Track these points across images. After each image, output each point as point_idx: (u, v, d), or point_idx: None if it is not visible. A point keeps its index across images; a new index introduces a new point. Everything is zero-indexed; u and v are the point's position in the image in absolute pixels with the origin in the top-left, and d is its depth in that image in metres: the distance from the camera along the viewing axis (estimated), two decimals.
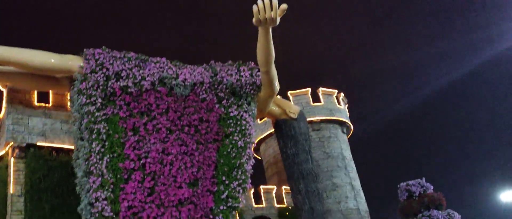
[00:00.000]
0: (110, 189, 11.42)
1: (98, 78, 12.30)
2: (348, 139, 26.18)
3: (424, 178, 23.52)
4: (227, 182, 13.04)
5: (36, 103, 13.85)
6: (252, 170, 13.80)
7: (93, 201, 11.25)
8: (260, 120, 25.23)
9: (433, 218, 21.33)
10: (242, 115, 14.28)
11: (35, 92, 13.93)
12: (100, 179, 11.38)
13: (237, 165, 13.41)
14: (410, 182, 23.28)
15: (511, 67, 57.41)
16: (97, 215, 11.10)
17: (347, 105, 26.99)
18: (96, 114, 11.97)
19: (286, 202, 21.05)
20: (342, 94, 26.28)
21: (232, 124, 14.00)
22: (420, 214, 21.82)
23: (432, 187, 23.28)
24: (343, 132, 25.60)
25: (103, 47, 12.99)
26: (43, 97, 14.15)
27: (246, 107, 14.55)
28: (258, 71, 14.85)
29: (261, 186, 20.95)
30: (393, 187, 24.86)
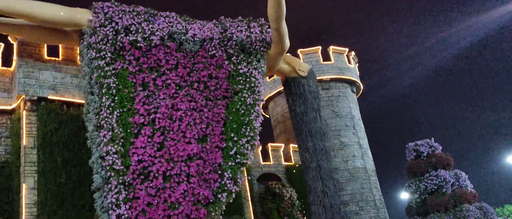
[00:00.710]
0: (120, 143, 11.57)
1: (107, 32, 12.22)
2: (357, 98, 26.06)
3: (433, 138, 23.55)
4: (235, 138, 13.14)
5: (46, 57, 13.85)
6: (261, 128, 13.86)
7: (104, 154, 11.42)
8: (269, 78, 25.12)
9: (440, 178, 21.47)
10: (251, 72, 14.21)
11: (45, 45, 13.89)
12: (110, 133, 11.51)
13: (246, 122, 13.47)
14: (419, 142, 23.33)
15: None
16: (108, 168, 11.29)
17: (357, 64, 26.69)
18: (106, 68, 11.97)
19: (294, 160, 21.27)
20: (353, 53, 25.93)
21: (242, 81, 13.96)
22: (427, 174, 21.97)
23: (440, 147, 23.34)
24: (353, 91, 25.44)
25: (112, 0, 12.82)
26: (53, 51, 14.14)
27: (256, 64, 14.46)
28: (269, 27, 14.64)
29: (269, 144, 21.13)
30: (401, 147, 25.00)
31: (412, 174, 23.08)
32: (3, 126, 13.87)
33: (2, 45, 14.03)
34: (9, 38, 13.69)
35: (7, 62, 14.37)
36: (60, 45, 14.12)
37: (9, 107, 13.78)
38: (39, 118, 13.06)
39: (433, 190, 21.77)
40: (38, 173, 12.68)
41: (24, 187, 12.48)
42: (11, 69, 14.13)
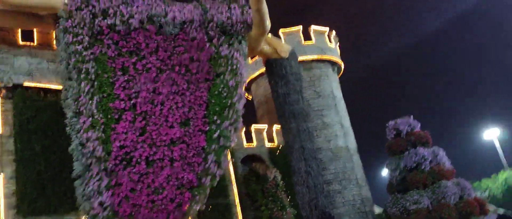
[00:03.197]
0: (101, 129, 11.36)
1: (84, 16, 11.85)
2: (338, 78, 26.15)
3: (411, 116, 23.84)
4: (218, 121, 13.03)
5: (20, 42, 13.41)
6: (244, 110, 13.78)
7: (85, 141, 11.20)
8: (251, 59, 24.95)
9: (419, 155, 21.80)
10: (233, 54, 14.04)
11: (19, 30, 13.44)
12: (90, 119, 11.28)
13: (229, 104, 13.35)
14: (398, 120, 23.55)
15: (496, 14, 57.06)
16: (89, 155, 11.09)
17: (338, 44, 26.70)
18: (84, 53, 11.66)
19: (277, 141, 21.32)
20: (333, 32, 25.91)
21: (223, 64, 13.79)
22: (407, 152, 22.29)
23: (419, 125, 23.63)
24: (334, 71, 25.51)
25: None
26: (27, 36, 13.69)
27: (237, 46, 14.29)
28: (249, 8, 14.44)
29: (252, 125, 21.11)
30: (382, 126, 25.22)
31: (392, 152, 23.38)
32: None
33: None
34: None
35: None
36: (34, 30, 13.67)
37: None
38: (15, 105, 12.73)
39: (413, 167, 22.11)
40: (16, 161, 12.40)
41: (1, 176, 12.20)
42: None
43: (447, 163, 22.47)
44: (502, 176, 37.91)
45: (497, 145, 35.67)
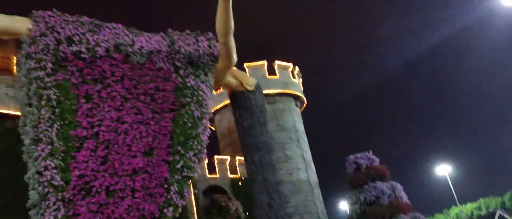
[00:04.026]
0: (60, 158, 11.06)
1: (48, 42, 11.71)
2: (301, 112, 26.70)
3: (371, 151, 24.54)
4: (182, 152, 12.96)
5: None
6: (208, 141, 13.81)
7: (42, 169, 10.85)
8: (216, 91, 25.15)
9: (378, 189, 22.41)
10: (199, 86, 14.15)
11: None
12: (49, 147, 10.97)
13: (193, 135, 13.34)
14: (358, 155, 24.22)
15: (449, 56, 60.52)
16: (46, 184, 10.73)
17: (301, 79, 27.40)
18: (46, 79, 11.44)
19: (239, 172, 21.34)
20: (297, 68, 26.64)
21: (189, 94, 13.85)
22: (366, 185, 22.85)
23: (378, 160, 24.37)
24: (297, 105, 26.06)
25: (54, 9, 12.34)
26: None
27: (204, 78, 14.42)
28: (216, 41, 14.68)
29: (215, 157, 21.09)
30: (342, 159, 25.79)
31: (352, 186, 23.90)
32: None
33: None
34: None
35: None
36: None
37: None
38: None
39: (372, 201, 22.65)
40: None
41: None
42: None
43: (404, 197, 23.18)
44: (454, 211, 39.20)
45: (449, 181, 37.06)
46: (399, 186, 23.28)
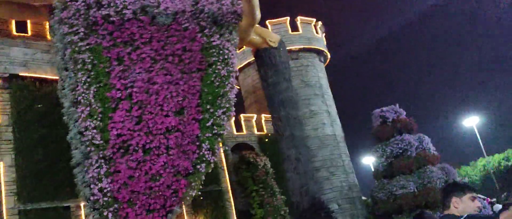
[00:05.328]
0: (99, 118, 11.65)
1: (79, 7, 12.08)
2: (325, 67, 26.69)
3: (397, 104, 24.56)
4: (212, 110, 13.38)
5: (15, 33, 13.56)
6: (236, 99, 14.17)
7: (83, 130, 11.49)
8: (239, 49, 25.30)
9: (405, 142, 22.56)
10: (224, 44, 14.37)
11: (13, 21, 13.57)
12: (88, 108, 11.56)
13: (221, 94, 13.71)
14: (384, 108, 24.27)
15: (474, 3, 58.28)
16: (87, 143, 11.40)
17: (324, 34, 27.21)
18: (80, 44, 11.90)
19: (266, 129, 21.79)
20: (319, 23, 26.39)
21: (215, 53, 14.12)
22: (393, 138, 23.02)
23: (404, 113, 24.38)
24: (320, 61, 26.03)
25: None
26: (21, 27, 13.83)
27: (228, 36, 14.61)
28: None
29: (241, 115, 21.52)
30: (367, 113, 25.92)
31: (378, 139, 24.08)
32: None
33: None
34: None
35: None
36: (28, 21, 13.82)
37: None
38: (12, 95, 12.91)
39: (399, 153, 22.84)
40: (14, 150, 12.63)
41: (1, 165, 12.43)
42: None
43: (431, 149, 23.29)
44: (481, 163, 39.09)
45: (476, 132, 36.76)
46: (426, 138, 23.34)
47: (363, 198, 26.50)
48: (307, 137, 22.16)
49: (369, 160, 37.72)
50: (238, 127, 21.07)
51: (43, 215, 12.66)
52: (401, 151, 22.68)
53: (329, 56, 26.71)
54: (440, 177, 21.62)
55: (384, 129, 23.48)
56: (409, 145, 22.54)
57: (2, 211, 12.28)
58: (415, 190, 21.04)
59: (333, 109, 25.06)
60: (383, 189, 21.94)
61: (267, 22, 24.14)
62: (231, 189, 17.85)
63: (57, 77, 12.68)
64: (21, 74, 13.20)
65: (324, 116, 23.98)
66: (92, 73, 11.85)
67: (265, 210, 18.83)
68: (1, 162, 12.40)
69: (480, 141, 36.66)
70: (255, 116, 22.05)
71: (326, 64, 26.99)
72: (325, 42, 26.71)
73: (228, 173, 18.28)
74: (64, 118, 12.00)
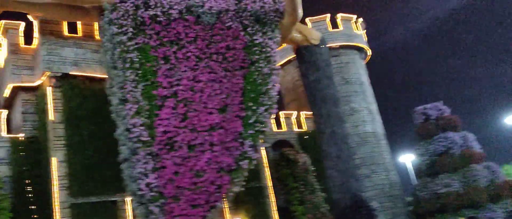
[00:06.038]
0: (146, 115, 11.99)
1: (128, 8, 12.46)
2: (365, 64, 26.34)
3: (442, 102, 23.93)
4: (254, 107, 13.53)
5: (66, 34, 14.15)
6: (278, 96, 14.26)
7: (131, 127, 11.83)
8: (279, 47, 25.33)
9: (449, 139, 21.98)
10: (266, 42, 14.49)
11: (65, 23, 14.17)
12: (136, 106, 11.90)
13: (263, 91, 13.83)
14: (427, 106, 23.71)
15: None
16: (135, 140, 11.74)
17: (364, 31, 26.84)
18: (128, 43, 12.27)
19: (306, 126, 21.76)
20: (360, 20, 26.05)
21: (257, 51, 14.25)
22: (436, 136, 22.46)
23: (448, 110, 23.72)
24: (361, 58, 25.71)
25: None
26: (72, 28, 14.42)
27: (270, 34, 14.72)
28: None
29: (281, 112, 21.58)
30: (408, 111, 25.40)
31: (421, 137, 23.54)
32: (29, 103, 14.31)
33: (23, 23, 14.30)
34: (29, 16, 13.97)
35: (27, 40, 14.69)
36: (79, 22, 14.39)
37: (34, 84, 14.18)
38: (64, 93, 13.51)
39: (442, 152, 22.28)
40: (66, 146, 13.21)
41: (54, 160, 13.03)
42: (33, 46, 14.45)
43: (476, 147, 22.58)
44: None
45: None
46: (471, 136, 22.64)
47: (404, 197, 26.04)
48: (347, 135, 21.98)
49: (405, 159, 36.77)
50: (278, 124, 21.15)
51: (92, 208, 13.20)
52: (444, 149, 22.11)
53: (369, 52, 26.34)
54: (486, 176, 20.95)
55: (427, 127, 22.95)
56: (453, 143, 21.95)
57: (55, 204, 12.88)
58: (460, 189, 20.48)
59: (374, 107, 24.72)
60: (426, 188, 21.49)
61: (307, 19, 24.05)
62: (272, 186, 17.95)
63: (105, 76, 13.14)
64: (72, 73, 13.77)
65: (364, 114, 23.70)
66: (140, 71, 12.20)
67: (305, 207, 18.84)
68: (54, 158, 13.00)
69: None
70: (295, 113, 22.06)
71: (366, 60, 26.63)
72: (365, 39, 26.35)
73: (268, 170, 18.39)
74: (112, 115, 12.43)
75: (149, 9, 12.70)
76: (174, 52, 12.80)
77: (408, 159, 43.66)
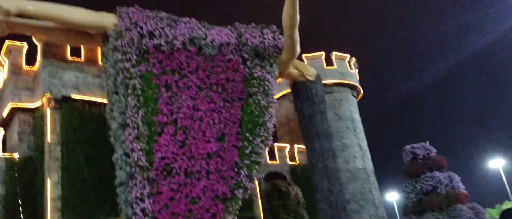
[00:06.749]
0: (145, 141, 12.18)
1: (133, 36, 12.83)
2: (357, 102, 26.94)
3: (428, 142, 24.43)
4: (251, 138, 13.81)
5: (69, 58, 14.43)
6: (274, 129, 14.57)
7: (129, 151, 12.00)
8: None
9: (435, 179, 22.34)
10: (265, 76, 14.91)
11: (68, 46, 14.47)
12: (136, 131, 12.10)
13: (260, 123, 14.14)
14: (415, 145, 24.15)
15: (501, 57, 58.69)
16: (133, 164, 11.88)
17: (357, 70, 27.59)
18: (131, 70, 12.57)
19: (298, 160, 22.01)
20: (353, 59, 26.84)
21: (256, 84, 14.65)
22: (423, 175, 22.82)
23: (435, 150, 24.19)
24: (353, 96, 26.32)
25: (136, 6, 13.44)
26: (75, 52, 14.72)
27: (269, 69, 15.16)
28: (280, 34, 15.40)
29: (275, 144, 21.84)
30: (397, 149, 25.82)
31: (409, 175, 23.88)
32: (26, 123, 14.41)
33: (26, 45, 14.57)
34: (33, 39, 14.25)
35: (29, 61, 14.93)
36: (82, 47, 14.70)
37: (33, 105, 14.33)
38: (62, 116, 13.64)
39: (429, 190, 22.60)
40: (62, 168, 13.26)
41: (49, 181, 13.05)
42: (34, 68, 14.67)
43: (461, 188, 22.95)
44: (506, 206, 37.85)
45: (503, 175, 35.81)
46: (456, 177, 23.03)
47: None
48: (339, 169, 22.26)
49: (391, 197, 36.97)
50: (271, 156, 21.38)
51: None
52: (431, 188, 22.43)
53: (361, 91, 27.00)
54: (470, 216, 21.24)
55: (414, 166, 23.32)
56: (439, 183, 22.32)
57: None
58: None
59: (364, 143, 25.15)
60: None
61: (303, 56, 24.69)
62: (263, 217, 18.00)
63: (105, 100, 13.36)
64: (72, 96, 13.97)
65: (355, 149, 24.09)
66: (141, 98, 12.46)
67: None
68: (49, 179, 13.02)
69: (506, 184, 35.68)
70: (288, 146, 22.35)
71: (358, 99, 27.25)
72: (358, 78, 27.06)
73: (260, 201, 18.49)
74: (110, 139, 12.56)
75: (154, 39, 13.10)
76: (176, 81, 13.12)
77: (393, 197, 43.85)
